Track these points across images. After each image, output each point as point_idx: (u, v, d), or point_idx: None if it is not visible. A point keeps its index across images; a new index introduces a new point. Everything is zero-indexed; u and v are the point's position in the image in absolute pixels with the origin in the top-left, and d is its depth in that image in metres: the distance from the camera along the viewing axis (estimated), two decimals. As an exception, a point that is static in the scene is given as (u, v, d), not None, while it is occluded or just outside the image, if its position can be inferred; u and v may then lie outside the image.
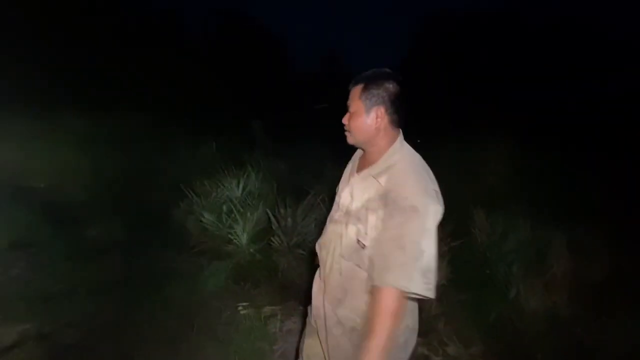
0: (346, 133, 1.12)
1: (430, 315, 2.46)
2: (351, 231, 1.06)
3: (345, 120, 1.11)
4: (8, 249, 2.66)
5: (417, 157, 1.09)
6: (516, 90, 8.93)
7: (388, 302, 0.94)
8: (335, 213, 1.16)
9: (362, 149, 1.16)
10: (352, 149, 1.24)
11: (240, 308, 2.29)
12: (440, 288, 2.54)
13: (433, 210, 0.97)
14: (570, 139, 5.73)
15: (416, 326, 1.15)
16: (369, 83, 1.06)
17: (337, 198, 1.20)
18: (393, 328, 0.94)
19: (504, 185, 4.17)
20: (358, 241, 1.03)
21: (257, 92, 11.18)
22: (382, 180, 1.03)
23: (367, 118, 1.06)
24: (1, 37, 6.35)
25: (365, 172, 1.09)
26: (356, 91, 1.07)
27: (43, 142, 5.00)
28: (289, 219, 2.99)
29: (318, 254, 1.21)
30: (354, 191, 1.10)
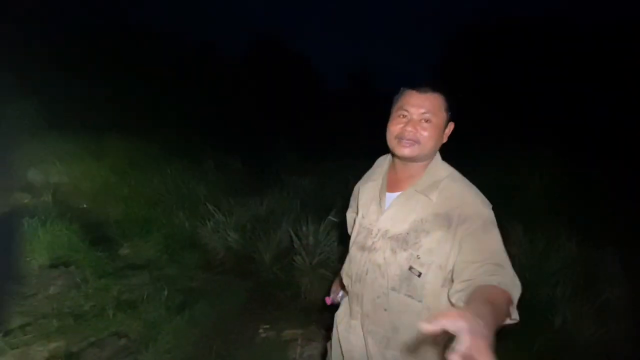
0: (407, 142, 0.95)
1: (464, 345, 2.27)
2: (400, 259, 0.94)
3: (424, 131, 0.95)
4: (49, 267, 2.83)
5: (457, 171, 1.02)
6: (558, 101, 8.43)
7: (507, 301, 0.79)
8: (367, 239, 1.02)
9: (409, 161, 1.00)
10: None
11: (260, 331, 2.25)
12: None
13: (495, 220, 0.93)
14: (617, 150, 5.24)
15: None
16: (447, 95, 0.98)
17: (361, 221, 1.07)
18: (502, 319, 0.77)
19: (543, 200, 3.86)
20: (411, 268, 0.92)
21: (285, 110, 11.46)
22: (433, 196, 0.94)
23: (443, 132, 0.99)
24: (51, 63, 7.05)
25: (409, 189, 0.99)
26: (439, 101, 0.96)
27: (88, 164, 5.41)
28: (311, 237, 2.94)
29: (348, 287, 1.08)
30: (396, 212, 0.98)
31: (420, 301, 0.93)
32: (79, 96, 7.32)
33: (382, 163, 1.13)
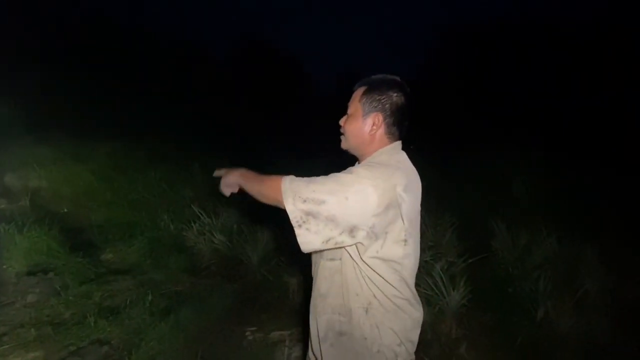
0: (341, 137, 1.08)
1: (450, 339, 2.30)
2: None
3: (341, 122, 1.07)
4: (27, 275, 2.73)
5: (407, 164, 1.00)
6: (538, 102, 8.66)
7: (272, 185, 0.95)
8: None
9: (356, 157, 1.10)
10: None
11: (247, 333, 2.22)
12: (460, 309, 2.40)
13: (367, 189, 0.88)
14: (595, 150, 5.42)
15: (410, 299, 1.00)
16: (373, 87, 1.00)
17: None
18: (256, 189, 1.02)
19: (525, 198, 3.96)
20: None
21: (273, 112, 11.40)
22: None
23: (363, 123, 1.01)
24: (28, 66, 6.83)
25: None
26: (358, 93, 1.02)
27: (68, 168, 5.25)
28: (299, 238, 2.93)
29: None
30: None
31: (336, 260, 0.99)
32: (59, 98, 7.11)
33: None
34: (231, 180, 1.09)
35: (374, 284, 0.95)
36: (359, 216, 0.88)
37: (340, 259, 0.98)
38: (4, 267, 2.80)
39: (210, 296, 2.65)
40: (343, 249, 0.95)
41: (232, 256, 3.22)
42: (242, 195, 1.10)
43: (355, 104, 1.02)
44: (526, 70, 9.51)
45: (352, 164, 1.18)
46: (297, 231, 0.90)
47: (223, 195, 1.13)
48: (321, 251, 1.01)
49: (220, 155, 6.26)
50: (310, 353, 1.12)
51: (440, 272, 2.38)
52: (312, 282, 1.13)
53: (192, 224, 3.50)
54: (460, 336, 2.32)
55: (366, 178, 0.89)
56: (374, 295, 0.96)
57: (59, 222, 3.58)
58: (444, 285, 2.36)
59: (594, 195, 3.99)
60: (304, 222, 0.89)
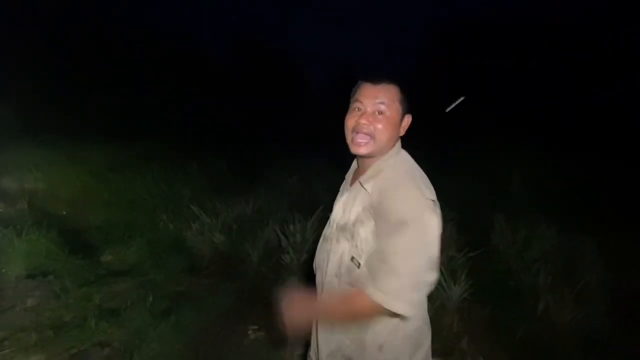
0: (362, 139, 0.92)
1: (451, 333, 2.31)
2: (344, 248, 0.95)
3: (378, 124, 0.92)
4: (26, 278, 2.72)
5: (411, 163, 0.98)
6: (538, 95, 8.66)
7: (364, 309, 0.87)
8: (327, 229, 1.07)
9: (366, 157, 0.98)
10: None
11: (249, 332, 2.23)
12: (461, 302, 2.41)
13: (427, 223, 0.84)
14: (594, 143, 5.44)
15: (428, 322, 1.03)
16: (403, 86, 0.94)
17: (331, 214, 1.11)
18: (348, 323, 0.94)
19: (524, 191, 3.96)
20: (352, 259, 0.93)
21: (271, 110, 11.36)
22: (369, 186, 0.93)
23: (399, 125, 0.95)
24: (26, 71, 6.78)
25: (357, 182, 0.99)
26: (393, 92, 0.92)
27: (66, 170, 5.23)
28: (298, 235, 2.93)
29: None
30: (346, 204, 1.00)
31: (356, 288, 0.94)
32: (55, 100, 7.07)
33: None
34: (301, 318, 0.97)
35: (397, 317, 0.88)
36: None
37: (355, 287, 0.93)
38: (3, 271, 2.79)
39: (211, 296, 2.65)
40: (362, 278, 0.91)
41: (232, 255, 3.22)
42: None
43: (395, 105, 0.92)
44: (525, 66, 9.51)
45: (350, 164, 1.17)
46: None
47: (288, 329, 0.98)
48: (339, 272, 0.95)
49: (218, 154, 6.23)
50: (312, 354, 1.11)
51: (441, 267, 2.38)
52: (314, 282, 1.11)
53: (192, 224, 3.48)
54: (461, 330, 2.33)
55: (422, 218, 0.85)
56: (394, 330, 0.92)
57: (57, 224, 3.57)
58: (444, 280, 2.37)
59: (593, 189, 4.00)
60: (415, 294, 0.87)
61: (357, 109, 0.95)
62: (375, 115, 0.92)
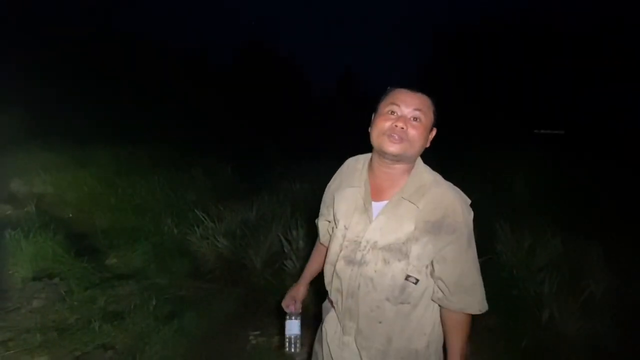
0: (395, 138, 0.90)
1: (454, 343, 2.29)
2: (395, 269, 0.93)
3: (414, 129, 0.92)
4: (33, 280, 2.75)
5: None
6: (543, 100, 8.63)
7: (465, 326, 0.98)
8: (356, 252, 0.97)
9: (388, 166, 0.96)
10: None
11: (251, 337, 2.23)
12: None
13: (472, 228, 0.98)
14: (600, 149, 5.39)
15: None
16: (435, 99, 0.97)
17: (344, 233, 1.01)
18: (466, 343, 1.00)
19: (529, 198, 3.93)
20: (407, 278, 0.93)
21: (274, 115, 11.45)
22: (420, 203, 0.93)
23: (429, 135, 0.97)
24: (34, 75, 6.91)
25: (395, 196, 0.95)
26: (428, 102, 0.95)
27: (73, 173, 5.30)
28: (301, 241, 2.94)
29: (336, 303, 1.04)
30: (386, 222, 0.95)
31: (409, 303, 0.95)
32: (64, 105, 7.20)
33: (357, 166, 1.06)
34: None
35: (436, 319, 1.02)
36: None
37: (410, 303, 0.96)
38: (10, 272, 2.83)
39: (214, 301, 2.66)
40: (423, 293, 0.97)
41: (235, 260, 3.22)
42: None
43: (430, 115, 0.94)
44: (530, 71, 9.49)
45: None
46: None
47: None
48: (392, 294, 0.95)
49: (222, 159, 6.27)
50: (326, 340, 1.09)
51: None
52: (317, 288, 1.12)
53: (196, 228, 3.51)
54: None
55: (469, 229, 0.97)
56: (433, 326, 1.02)
57: (64, 227, 3.62)
58: (448, 288, 2.34)
59: (599, 196, 3.96)
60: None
61: (391, 112, 0.93)
62: (412, 121, 0.92)
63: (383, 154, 0.93)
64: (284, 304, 1.30)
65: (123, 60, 9.06)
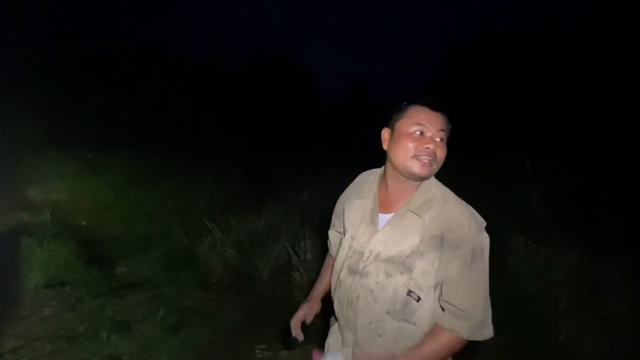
0: (426, 161, 0.90)
1: (467, 361, 2.21)
2: (397, 282, 0.91)
3: (439, 150, 0.92)
4: (45, 288, 2.80)
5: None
6: (558, 113, 8.47)
7: (448, 348, 0.90)
8: (358, 262, 0.97)
9: (402, 181, 0.96)
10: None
11: (257, 351, 2.20)
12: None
13: (486, 247, 0.92)
14: (618, 161, 5.22)
15: None
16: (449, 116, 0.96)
17: (350, 243, 1.01)
18: None
19: (544, 212, 3.82)
20: (409, 293, 0.90)
21: (284, 125, 11.55)
22: (426, 217, 0.92)
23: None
24: (52, 82, 7.15)
25: (402, 209, 0.94)
26: (446, 121, 0.94)
27: (88, 181, 5.42)
28: (309, 253, 2.91)
29: (337, 313, 1.03)
30: (390, 234, 0.94)
31: (414, 324, 0.91)
32: (80, 112, 7.41)
33: (368, 179, 1.07)
34: None
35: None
36: None
37: (416, 325, 0.92)
38: (24, 280, 2.88)
39: (220, 312, 2.65)
40: (425, 313, 0.92)
41: (242, 271, 3.22)
42: None
43: (448, 134, 0.95)
44: (545, 82, 9.35)
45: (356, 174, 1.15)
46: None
47: None
48: (393, 309, 0.92)
49: (231, 169, 6.33)
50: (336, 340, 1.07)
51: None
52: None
53: (205, 238, 3.52)
54: (478, 359, 2.22)
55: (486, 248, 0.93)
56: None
57: (77, 235, 3.69)
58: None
59: (616, 210, 3.82)
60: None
61: (419, 132, 0.92)
62: (437, 141, 0.92)
63: (410, 175, 0.93)
64: (293, 325, 1.18)
65: (137, 69, 9.33)
